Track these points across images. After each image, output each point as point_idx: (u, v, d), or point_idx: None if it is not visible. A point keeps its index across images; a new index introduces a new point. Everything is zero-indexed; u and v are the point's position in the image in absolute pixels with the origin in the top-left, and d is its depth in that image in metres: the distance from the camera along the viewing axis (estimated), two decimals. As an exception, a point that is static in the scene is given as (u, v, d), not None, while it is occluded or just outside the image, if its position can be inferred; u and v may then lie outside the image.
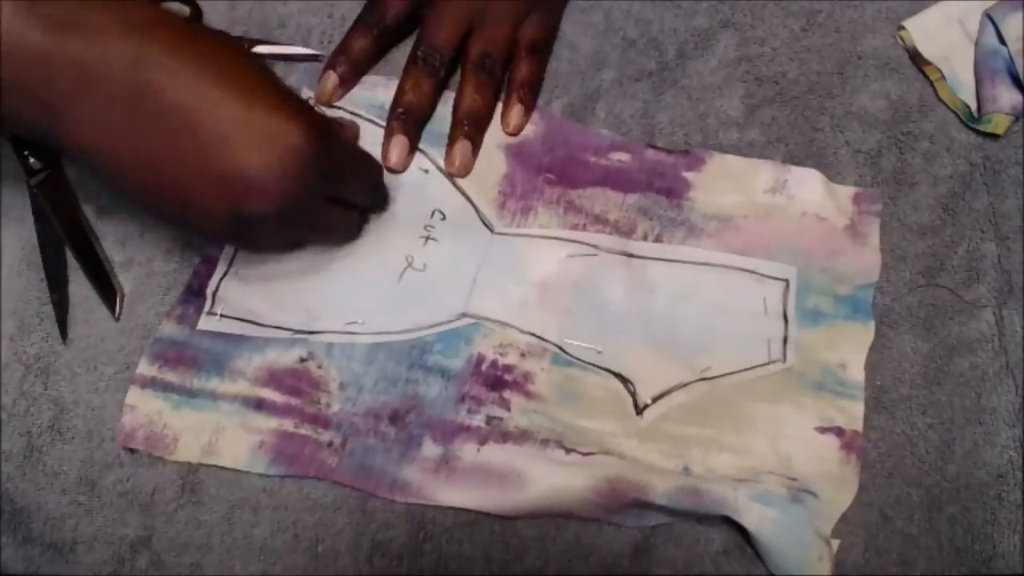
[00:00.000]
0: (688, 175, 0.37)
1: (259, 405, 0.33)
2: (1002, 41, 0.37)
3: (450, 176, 0.37)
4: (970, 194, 0.36)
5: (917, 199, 0.36)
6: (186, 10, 0.42)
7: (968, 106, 0.37)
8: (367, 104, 0.39)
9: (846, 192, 0.36)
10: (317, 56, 0.41)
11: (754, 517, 0.30)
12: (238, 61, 0.29)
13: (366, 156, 0.34)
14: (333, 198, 0.33)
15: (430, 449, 0.32)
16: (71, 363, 0.35)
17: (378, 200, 0.36)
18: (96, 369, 0.35)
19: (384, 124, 0.38)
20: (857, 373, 0.33)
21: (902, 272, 0.35)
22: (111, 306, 0.36)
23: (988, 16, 0.38)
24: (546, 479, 0.31)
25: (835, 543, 0.30)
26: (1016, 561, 0.30)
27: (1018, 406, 0.33)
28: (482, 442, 0.32)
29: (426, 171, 0.37)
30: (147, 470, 0.33)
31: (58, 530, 0.33)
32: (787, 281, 0.35)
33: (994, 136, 0.37)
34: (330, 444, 0.33)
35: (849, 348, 0.33)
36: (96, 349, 0.36)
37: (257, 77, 0.30)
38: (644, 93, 0.39)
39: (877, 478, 0.32)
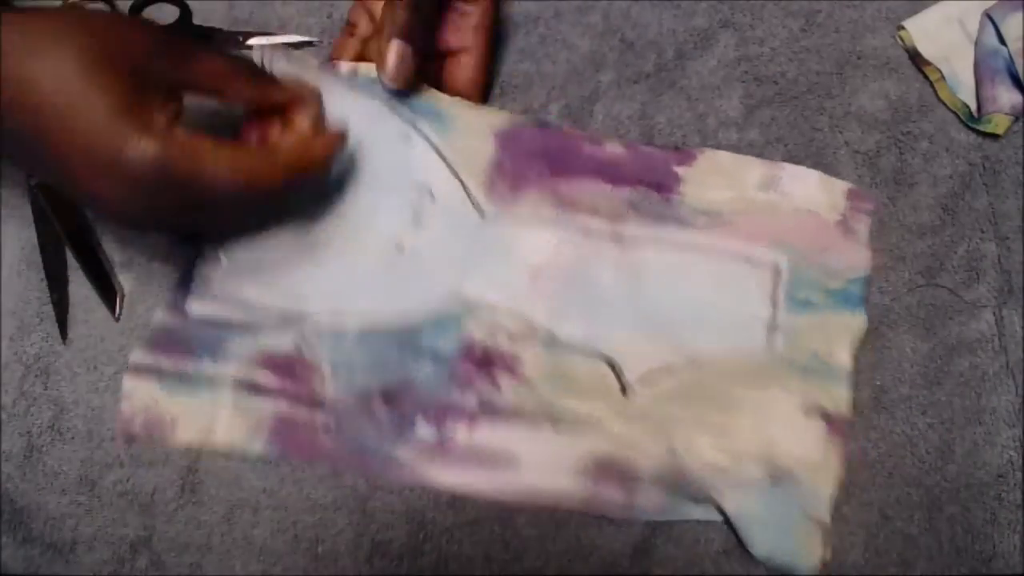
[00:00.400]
0: (678, 169, 0.37)
1: (253, 388, 0.34)
2: (1002, 41, 0.37)
3: (437, 148, 0.36)
4: (970, 194, 0.36)
5: (916, 199, 0.36)
6: (175, 11, 0.42)
7: (968, 106, 0.37)
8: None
9: (840, 186, 0.36)
10: (313, 42, 0.41)
11: (734, 502, 0.31)
12: (90, 67, 0.27)
13: (226, 184, 0.30)
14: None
15: (424, 430, 0.33)
16: (71, 363, 0.35)
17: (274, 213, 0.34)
18: (96, 369, 0.35)
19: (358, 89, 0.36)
20: (844, 359, 0.33)
21: (901, 272, 0.35)
22: (111, 306, 0.36)
23: (988, 16, 0.38)
24: (537, 460, 0.32)
25: (826, 525, 0.30)
26: (1016, 561, 0.30)
27: (1018, 406, 0.32)
28: (473, 421, 0.33)
29: (408, 138, 0.36)
30: (147, 470, 0.33)
31: (58, 530, 0.33)
32: (777, 267, 0.35)
33: (994, 136, 0.37)
34: (326, 427, 0.33)
35: (837, 335, 0.33)
36: (96, 349, 0.36)
37: (111, 80, 0.27)
38: (642, 94, 0.39)
39: (877, 478, 0.32)
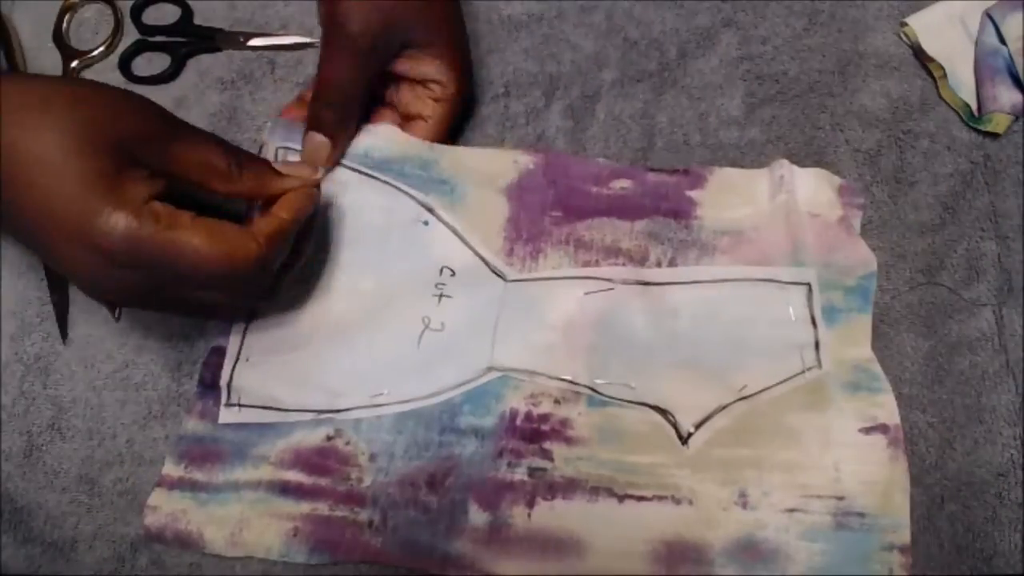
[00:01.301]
0: (692, 194, 0.36)
1: (284, 489, 0.32)
2: (1002, 40, 0.37)
3: (452, 227, 0.36)
4: (971, 192, 0.36)
5: (917, 198, 0.36)
6: (176, 11, 0.42)
7: (968, 105, 0.37)
8: (349, 153, 0.37)
9: (833, 182, 0.36)
10: (315, 44, 0.40)
11: (803, 557, 0.30)
12: (53, 139, 0.27)
13: (202, 258, 0.28)
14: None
15: (477, 516, 0.31)
16: (71, 362, 0.35)
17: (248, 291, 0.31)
18: (96, 368, 0.35)
19: (370, 172, 0.37)
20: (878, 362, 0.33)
21: (902, 271, 0.35)
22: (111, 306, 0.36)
23: (988, 15, 0.38)
24: (604, 545, 0.31)
25: (907, 546, 0.30)
26: (1016, 559, 0.30)
27: (1018, 405, 0.33)
28: (531, 503, 0.31)
29: (426, 223, 0.36)
30: (147, 468, 0.33)
31: (59, 529, 0.33)
32: (809, 285, 0.34)
33: (994, 135, 0.37)
34: (371, 524, 0.31)
35: (867, 338, 0.33)
36: (96, 348, 0.36)
37: (73, 153, 0.27)
38: (644, 93, 0.39)
39: (878, 476, 0.32)
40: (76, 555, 0.32)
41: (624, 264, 0.35)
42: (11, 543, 0.32)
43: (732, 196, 0.36)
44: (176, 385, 0.35)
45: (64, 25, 0.42)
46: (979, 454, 0.32)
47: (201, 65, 0.41)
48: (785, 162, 0.36)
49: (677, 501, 0.31)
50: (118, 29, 0.42)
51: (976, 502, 0.31)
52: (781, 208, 0.36)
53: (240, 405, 0.34)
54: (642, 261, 0.35)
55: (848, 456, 0.31)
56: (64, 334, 0.36)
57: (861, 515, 0.30)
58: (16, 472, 0.34)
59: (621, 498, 0.31)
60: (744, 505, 0.31)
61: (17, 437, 0.34)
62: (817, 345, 0.33)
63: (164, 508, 0.32)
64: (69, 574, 0.32)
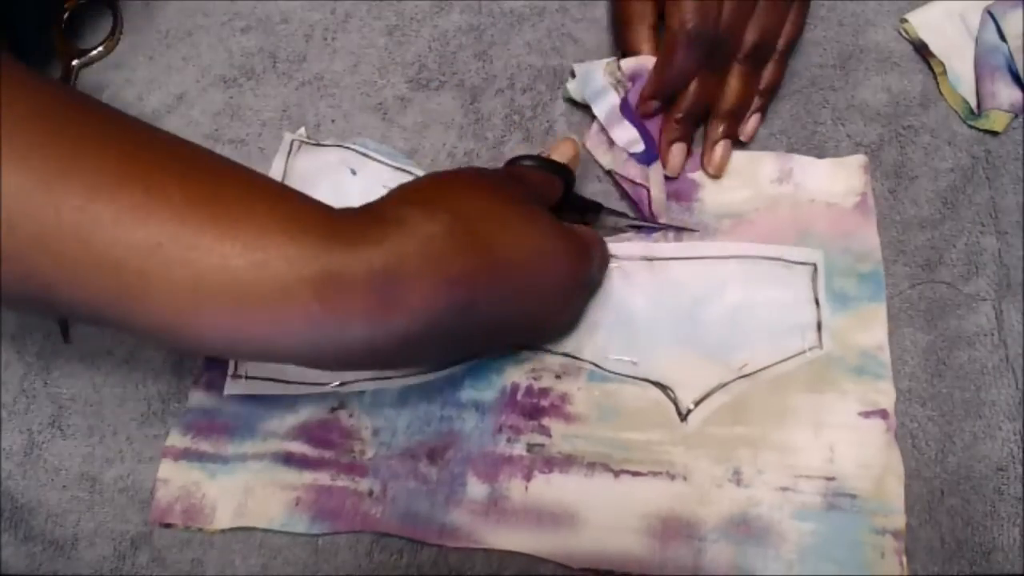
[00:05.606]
0: (694, 176, 0.36)
1: (288, 460, 0.32)
2: (1002, 38, 0.37)
3: None
4: (971, 187, 0.36)
5: (917, 193, 0.36)
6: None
7: (967, 102, 0.37)
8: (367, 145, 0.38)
9: (856, 161, 0.36)
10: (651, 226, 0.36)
11: (794, 536, 0.30)
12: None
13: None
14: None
15: (476, 489, 0.32)
16: (71, 360, 0.35)
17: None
18: (96, 366, 0.35)
19: (382, 159, 0.37)
20: (887, 350, 0.33)
21: (902, 266, 0.35)
22: (112, 302, 0.36)
23: (989, 13, 0.38)
24: (598, 517, 0.31)
25: (900, 532, 0.30)
26: (1016, 554, 0.30)
27: (1018, 399, 0.33)
28: (528, 476, 0.32)
29: None
30: (147, 466, 0.33)
31: (59, 526, 0.33)
32: (814, 265, 0.34)
33: (993, 132, 0.37)
34: (371, 493, 0.32)
35: (878, 325, 0.33)
36: (96, 345, 0.35)
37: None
38: (645, 88, 0.39)
39: (878, 471, 0.32)
40: (77, 552, 0.32)
41: (630, 240, 0.35)
42: (12, 541, 0.32)
43: (734, 179, 0.36)
44: (176, 382, 0.35)
45: (63, 24, 0.42)
46: (978, 448, 0.32)
47: (202, 61, 0.41)
48: (797, 156, 0.36)
49: (672, 477, 0.31)
50: (118, 29, 0.42)
51: (975, 496, 0.31)
52: (786, 197, 0.36)
53: (246, 377, 0.34)
54: (645, 239, 0.35)
55: (845, 438, 0.31)
56: (65, 333, 0.36)
57: (852, 496, 0.31)
58: (17, 470, 0.34)
59: (617, 473, 0.31)
60: (738, 482, 0.31)
61: (18, 435, 0.34)
62: (819, 326, 0.33)
63: (176, 480, 0.32)
64: (69, 572, 0.32)
